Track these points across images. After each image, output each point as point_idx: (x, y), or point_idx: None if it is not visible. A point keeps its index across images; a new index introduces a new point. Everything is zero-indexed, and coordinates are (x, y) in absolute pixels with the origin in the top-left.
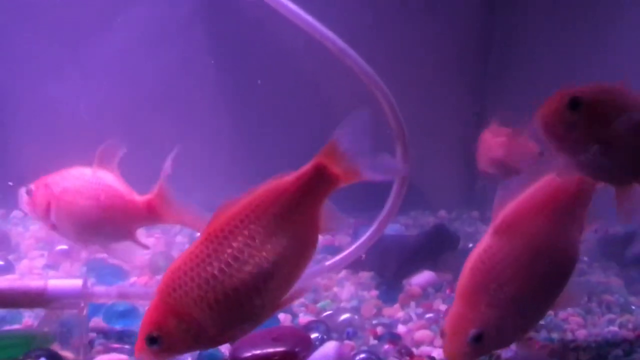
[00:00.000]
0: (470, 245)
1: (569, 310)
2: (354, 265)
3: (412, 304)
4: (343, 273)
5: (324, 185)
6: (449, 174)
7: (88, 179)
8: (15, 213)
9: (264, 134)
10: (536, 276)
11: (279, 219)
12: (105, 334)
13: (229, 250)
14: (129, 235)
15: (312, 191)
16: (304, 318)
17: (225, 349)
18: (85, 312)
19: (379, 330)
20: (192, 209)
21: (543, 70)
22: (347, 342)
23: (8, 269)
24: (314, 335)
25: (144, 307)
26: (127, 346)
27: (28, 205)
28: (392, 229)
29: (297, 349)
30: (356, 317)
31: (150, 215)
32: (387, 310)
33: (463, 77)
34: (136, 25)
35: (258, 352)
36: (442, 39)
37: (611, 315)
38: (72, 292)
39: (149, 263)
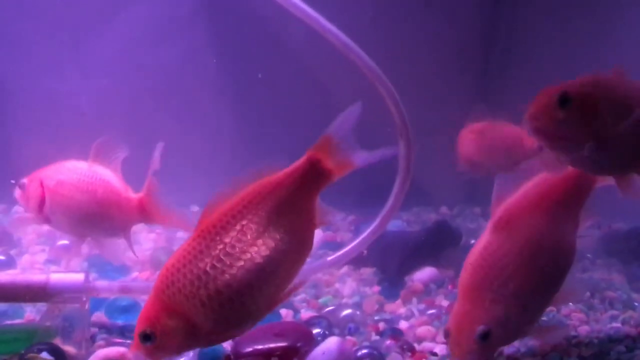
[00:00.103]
0: (473, 241)
1: (572, 306)
2: (356, 261)
3: (414, 300)
4: (345, 269)
5: (318, 179)
6: (451, 171)
7: (84, 173)
8: (17, 208)
9: (265, 131)
10: (537, 271)
11: (272, 215)
12: (107, 328)
13: (221, 246)
14: (124, 232)
15: (305, 185)
16: (305, 313)
17: (227, 344)
18: (87, 306)
19: (381, 326)
20: (176, 210)
21: (545, 66)
22: (349, 337)
23: (10, 263)
24: (315, 331)
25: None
26: (128, 341)
27: (21, 199)
28: (394, 225)
29: (299, 344)
30: (358, 312)
31: (142, 213)
32: (389, 306)
33: (465, 73)
34: (137, 22)
35: (260, 347)
36: (443, 36)
37: (614, 312)
38: (74, 287)
39: (151, 258)
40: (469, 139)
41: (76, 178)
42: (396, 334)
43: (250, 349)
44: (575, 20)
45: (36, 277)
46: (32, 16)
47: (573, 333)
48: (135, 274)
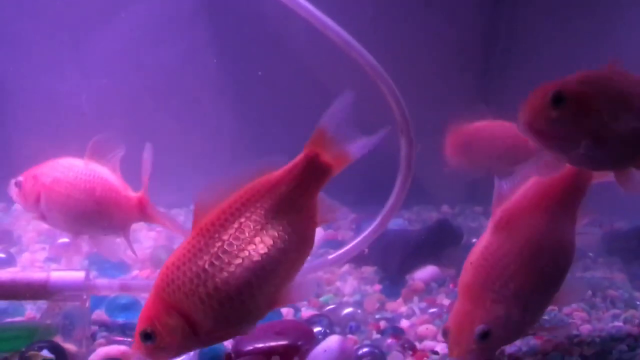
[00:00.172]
0: (474, 240)
1: (573, 305)
2: (357, 259)
3: (415, 298)
4: (346, 267)
5: (317, 175)
6: (452, 169)
7: (81, 171)
8: (17, 206)
9: (266, 130)
10: (538, 270)
11: (270, 213)
12: (107, 326)
13: (219, 244)
14: (123, 231)
15: (305, 182)
16: (306, 312)
17: (227, 342)
18: (87, 304)
19: (382, 324)
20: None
21: (546, 66)
22: (350, 336)
23: (10, 261)
24: (316, 329)
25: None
26: (129, 339)
27: (17, 197)
28: (395, 223)
29: (299, 343)
30: (359, 311)
31: (142, 212)
32: (390, 305)
33: (465, 72)
34: (137, 21)
35: (260, 345)
36: (443, 36)
37: (616, 311)
38: (75, 284)
39: (151, 257)
40: (460, 139)
41: (73, 176)
42: (397, 332)
43: (251, 348)
44: (576, 20)
45: (37, 274)
46: (32, 15)
47: (575, 332)
48: (135, 273)
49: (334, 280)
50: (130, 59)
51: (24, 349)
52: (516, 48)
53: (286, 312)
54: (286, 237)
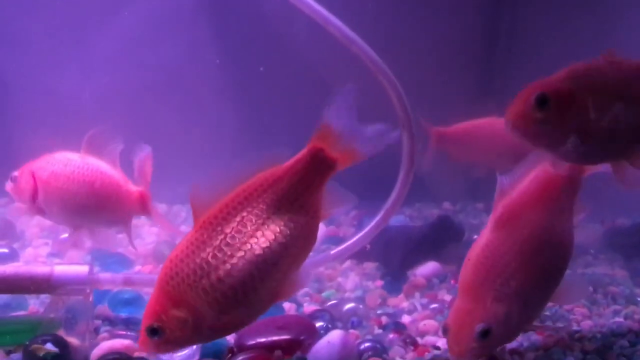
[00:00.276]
0: (475, 237)
1: None
2: (359, 255)
3: (417, 294)
4: (347, 263)
5: (322, 170)
6: (453, 166)
7: (78, 165)
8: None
9: (269, 127)
10: (538, 267)
11: (273, 207)
12: (110, 321)
13: (222, 237)
14: (124, 225)
15: (308, 177)
16: (308, 307)
17: (230, 337)
18: (90, 298)
19: (384, 319)
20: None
21: (548, 62)
22: (351, 331)
23: (13, 256)
24: (318, 324)
25: (149, 294)
26: (132, 333)
27: (13, 192)
28: (397, 220)
29: (302, 337)
30: (361, 306)
31: (143, 206)
32: (392, 301)
33: (469, 67)
34: (139, 18)
35: (263, 340)
36: (447, 31)
37: (616, 307)
38: (78, 278)
39: (153, 252)
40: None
41: (70, 170)
42: (399, 327)
43: (253, 342)
44: (577, 18)
45: (40, 268)
46: (34, 13)
47: (576, 328)
48: (138, 268)
49: (336, 276)
50: (132, 56)
51: (27, 343)
52: (517, 46)
53: (288, 307)
54: (288, 231)
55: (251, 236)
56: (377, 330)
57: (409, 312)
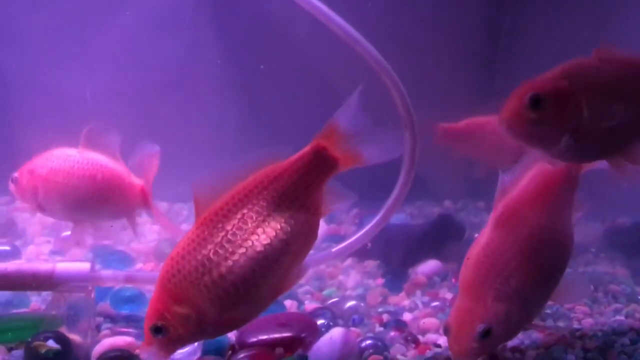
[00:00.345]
0: (476, 235)
1: None
2: (360, 254)
3: (418, 292)
4: (349, 262)
5: (323, 168)
6: (455, 165)
7: (78, 160)
8: None
9: (271, 125)
10: (539, 266)
11: (274, 204)
12: (112, 318)
13: (223, 234)
14: (127, 217)
15: (310, 175)
16: (309, 305)
17: (231, 334)
18: (92, 295)
19: (385, 317)
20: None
21: (551, 60)
22: (353, 328)
23: (15, 254)
24: (320, 322)
25: (151, 292)
26: (133, 330)
27: (15, 192)
28: (398, 218)
29: (303, 335)
30: (362, 304)
31: (145, 199)
32: (393, 299)
33: (471, 65)
34: (142, 13)
35: (264, 337)
36: (450, 28)
37: (617, 305)
38: (80, 276)
39: (155, 250)
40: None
41: (69, 165)
42: (400, 325)
43: (255, 339)
44: (580, 16)
45: (43, 265)
46: (36, 10)
47: (577, 326)
48: (139, 266)
49: (337, 274)
50: (133, 55)
51: (29, 339)
52: (518, 45)
53: (289, 304)
54: (289, 228)
55: (252, 233)
56: (378, 328)
57: (410, 310)
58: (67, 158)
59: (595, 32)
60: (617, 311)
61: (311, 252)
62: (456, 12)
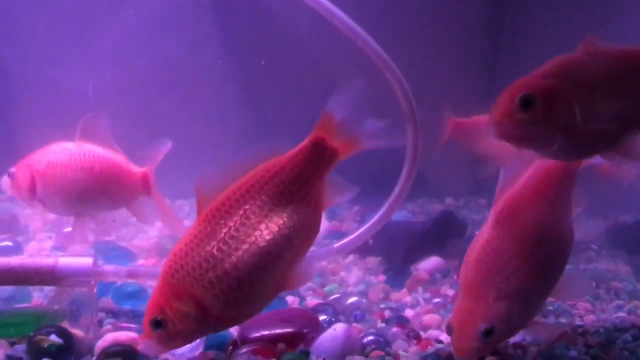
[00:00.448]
0: (477, 232)
1: None
2: (362, 250)
3: (420, 289)
4: (350, 258)
5: (323, 160)
6: (457, 162)
7: (75, 152)
8: None
9: (273, 121)
10: (539, 263)
11: (275, 198)
12: (114, 313)
13: (226, 230)
14: (128, 206)
15: (310, 168)
16: (311, 301)
17: (233, 329)
18: (95, 290)
19: (387, 313)
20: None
21: (552, 57)
22: (354, 324)
23: (17, 250)
24: (322, 318)
25: (153, 287)
26: (135, 325)
27: (12, 188)
28: (399, 215)
29: (305, 330)
30: (364, 300)
31: (145, 186)
32: (395, 295)
33: (472, 62)
34: (143, 10)
35: (267, 332)
36: (451, 28)
37: (619, 302)
38: (83, 270)
39: (156, 246)
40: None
41: (66, 158)
42: (402, 321)
43: (257, 335)
44: (581, 15)
45: (45, 260)
46: (36, 8)
47: (579, 322)
48: (141, 262)
49: (339, 270)
50: (135, 52)
51: (32, 334)
52: (522, 42)
53: (291, 300)
54: (291, 223)
55: (255, 228)
56: (380, 324)
57: (412, 307)
58: (63, 151)
59: (595, 32)
60: (619, 308)
61: (313, 248)
62: (458, 12)
